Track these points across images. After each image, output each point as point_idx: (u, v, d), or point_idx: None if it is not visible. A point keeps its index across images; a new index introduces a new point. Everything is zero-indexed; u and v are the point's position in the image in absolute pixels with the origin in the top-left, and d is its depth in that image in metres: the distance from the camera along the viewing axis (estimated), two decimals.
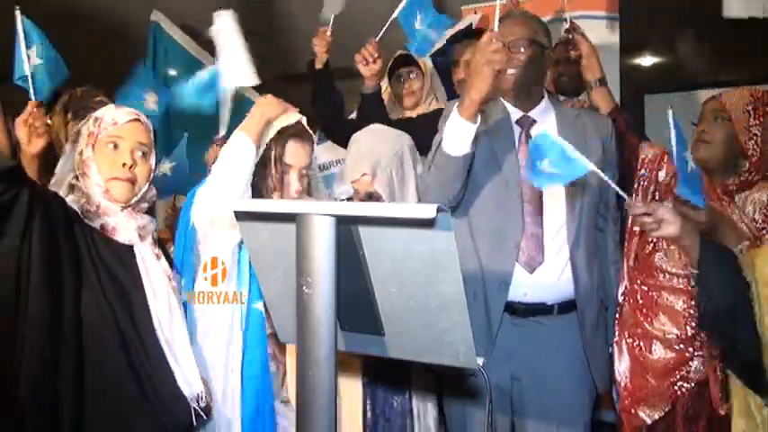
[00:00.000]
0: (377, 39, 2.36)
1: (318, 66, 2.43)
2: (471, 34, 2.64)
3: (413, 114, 2.61)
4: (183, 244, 1.69)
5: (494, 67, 1.55)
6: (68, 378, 1.30)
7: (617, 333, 1.91)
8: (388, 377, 1.93)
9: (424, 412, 2.03)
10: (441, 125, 1.89)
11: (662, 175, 1.92)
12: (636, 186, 1.94)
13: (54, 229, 1.32)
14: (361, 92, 2.44)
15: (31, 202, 1.26)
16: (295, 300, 1.06)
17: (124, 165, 1.46)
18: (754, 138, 1.74)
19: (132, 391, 1.37)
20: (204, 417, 1.48)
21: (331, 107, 2.48)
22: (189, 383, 1.46)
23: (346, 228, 1.05)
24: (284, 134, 1.73)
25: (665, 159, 1.93)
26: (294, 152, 1.74)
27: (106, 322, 1.36)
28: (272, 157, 1.71)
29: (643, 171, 1.94)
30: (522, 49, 1.80)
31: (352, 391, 1.89)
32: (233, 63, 2.15)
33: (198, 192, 1.64)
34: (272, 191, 1.72)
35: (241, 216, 1.19)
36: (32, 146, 1.82)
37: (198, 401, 1.47)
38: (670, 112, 1.56)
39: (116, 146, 1.48)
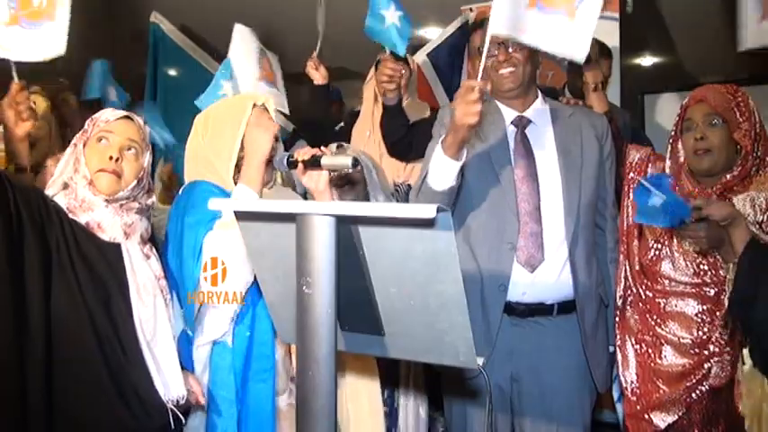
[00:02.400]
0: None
1: (391, 102, 2.41)
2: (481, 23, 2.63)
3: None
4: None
5: (471, 122, 1.53)
6: (35, 373, 1.29)
7: (618, 337, 1.91)
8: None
9: (407, 409, 2.03)
10: (434, 131, 1.89)
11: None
12: (626, 189, 1.93)
13: (19, 218, 1.31)
14: (383, 103, 2.46)
15: None
16: (295, 300, 1.06)
17: (111, 158, 1.47)
18: (747, 134, 1.73)
19: (106, 390, 1.36)
20: (183, 420, 1.47)
21: (403, 136, 2.47)
22: (167, 385, 1.45)
23: (346, 228, 1.05)
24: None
25: (652, 160, 1.92)
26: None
27: (81, 319, 1.36)
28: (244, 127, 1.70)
29: (632, 174, 1.94)
30: (515, 49, 1.79)
31: (371, 389, 1.90)
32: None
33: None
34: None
35: (241, 216, 1.19)
36: (19, 128, 1.80)
37: (176, 404, 1.45)
38: None
39: (106, 140, 1.50)
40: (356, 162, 1.48)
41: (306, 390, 1.05)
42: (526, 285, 1.77)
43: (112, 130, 1.50)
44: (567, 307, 1.80)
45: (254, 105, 1.74)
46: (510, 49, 1.79)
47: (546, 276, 1.77)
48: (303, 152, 1.60)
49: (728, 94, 1.76)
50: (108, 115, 1.53)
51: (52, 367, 1.32)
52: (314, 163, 1.56)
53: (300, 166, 1.59)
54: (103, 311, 1.39)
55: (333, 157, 1.57)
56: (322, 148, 1.64)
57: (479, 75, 1.54)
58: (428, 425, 2.10)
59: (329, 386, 1.04)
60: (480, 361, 1.12)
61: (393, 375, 2.00)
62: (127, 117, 1.54)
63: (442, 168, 1.64)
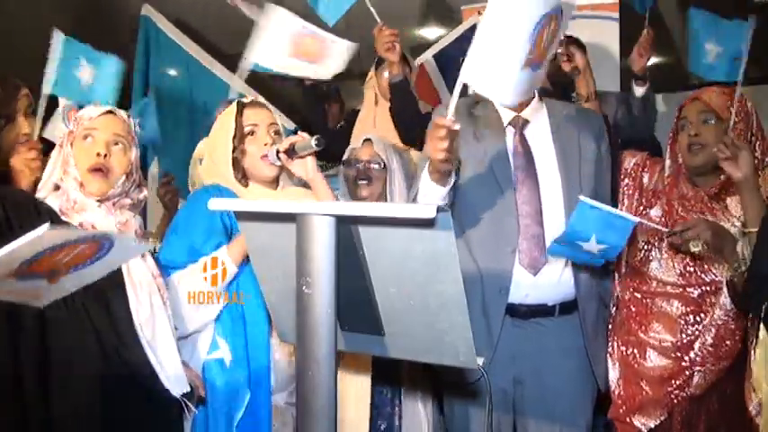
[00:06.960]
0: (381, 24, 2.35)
1: (396, 78, 2.40)
2: None
3: None
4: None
5: (440, 158, 1.48)
6: (31, 376, 1.28)
7: (609, 342, 1.91)
8: (382, 374, 1.94)
9: (413, 411, 2.03)
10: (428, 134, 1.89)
11: (646, 180, 1.92)
12: (621, 197, 1.93)
13: (9, 225, 1.30)
14: (390, 82, 2.43)
15: None
16: (295, 300, 1.06)
17: (98, 154, 1.47)
18: (742, 133, 1.74)
19: (110, 389, 1.36)
20: (188, 414, 1.48)
21: (413, 115, 2.46)
22: (171, 382, 1.45)
23: (346, 228, 1.05)
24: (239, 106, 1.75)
25: (648, 164, 1.92)
26: (254, 114, 1.73)
27: (79, 320, 1.35)
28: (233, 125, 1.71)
29: (627, 181, 1.94)
30: None
31: (360, 388, 1.91)
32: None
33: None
34: (242, 155, 1.70)
35: (241, 216, 1.19)
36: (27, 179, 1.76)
37: (182, 401, 1.46)
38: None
39: (91, 138, 1.49)
40: (318, 141, 1.53)
41: (306, 390, 1.04)
42: (528, 287, 1.76)
43: (97, 127, 1.50)
44: (568, 307, 1.80)
45: (241, 105, 1.75)
46: None
47: (548, 278, 1.76)
48: (283, 142, 1.65)
49: (724, 94, 1.77)
50: (91, 112, 1.52)
51: (50, 369, 1.31)
52: (292, 151, 1.61)
53: (283, 156, 1.64)
54: (102, 311, 1.38)
55: (303, 142, 1.61)
56: (300, 133, 1.66)
57: (449, 110, 1.41)
58: (432, 426, 2.09)
59: (329, 386, 1.04)
60: (480, 361, 1.12)
61: (395, 376, 2.00)
62: (110, 112, 1.53)
63: (429, 191, 1.62)
